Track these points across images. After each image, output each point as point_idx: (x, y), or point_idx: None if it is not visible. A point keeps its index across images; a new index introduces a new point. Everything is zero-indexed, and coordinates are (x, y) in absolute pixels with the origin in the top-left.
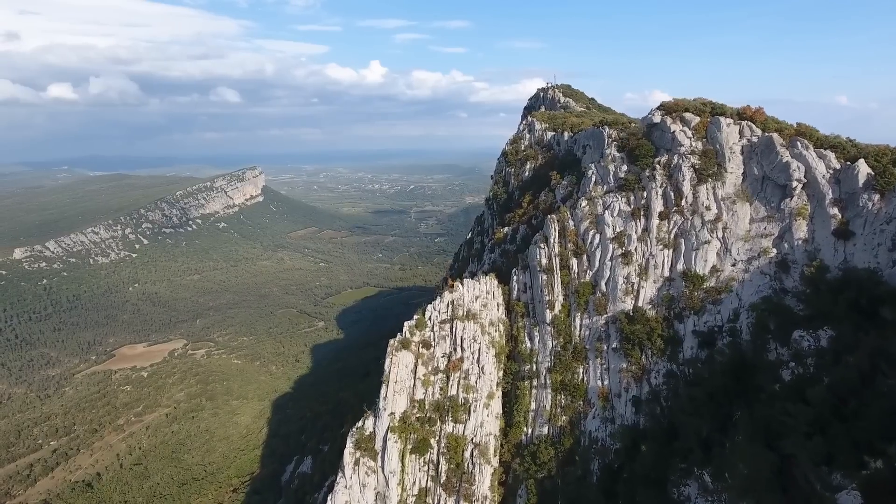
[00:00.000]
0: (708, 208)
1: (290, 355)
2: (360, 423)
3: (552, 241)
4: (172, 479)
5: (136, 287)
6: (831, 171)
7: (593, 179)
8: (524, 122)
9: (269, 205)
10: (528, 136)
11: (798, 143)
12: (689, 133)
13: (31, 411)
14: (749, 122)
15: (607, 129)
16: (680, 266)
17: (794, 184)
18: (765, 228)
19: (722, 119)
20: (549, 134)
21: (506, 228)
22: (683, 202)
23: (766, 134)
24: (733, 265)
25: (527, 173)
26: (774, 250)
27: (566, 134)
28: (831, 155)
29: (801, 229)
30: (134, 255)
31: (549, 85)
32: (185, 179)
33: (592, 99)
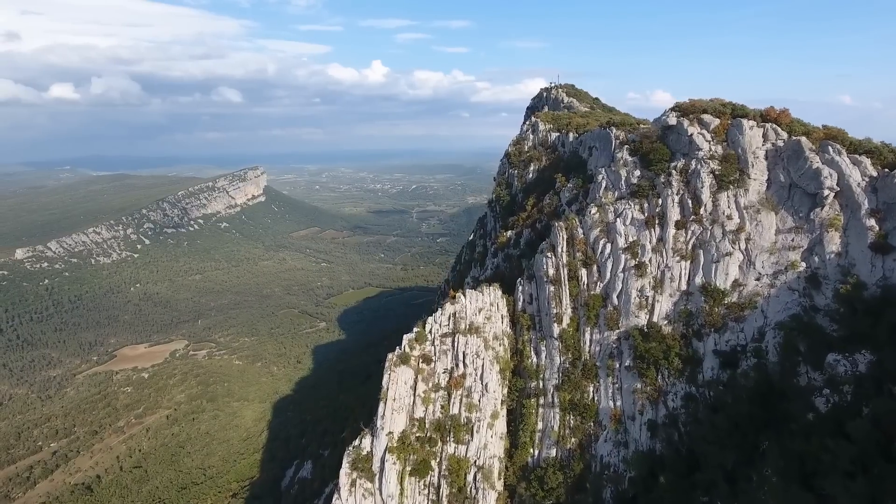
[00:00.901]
0: (729, 217)
1: (291, 356)
2: (356, 442)
3: (560, 250)
4: (172, 483)
5: (137, 287)
6: (867, 179)
7: (603, 185)
8: (528, 123)
9: (271, 205)
10: (531, 136)
11: (829, 147)
12: (708, 136)
13: (32, 412)
14: (774, 125)
15: (614, 131)
16: (698, 279)
17: (826, 192)
18: (792, 240)
19: (744, 121)
20: (554, 135)
21: (509, 232)
22: (702, 210)
23: (794, 138)
24: (757, 279)
25: (530, 175)
26: (803, 264)
27: (571, 135)
28: (867, 161)
29: (833, 242)
30: (135, 256)
31: (553, 85)
32: (187, 179)
33: (597, 99)
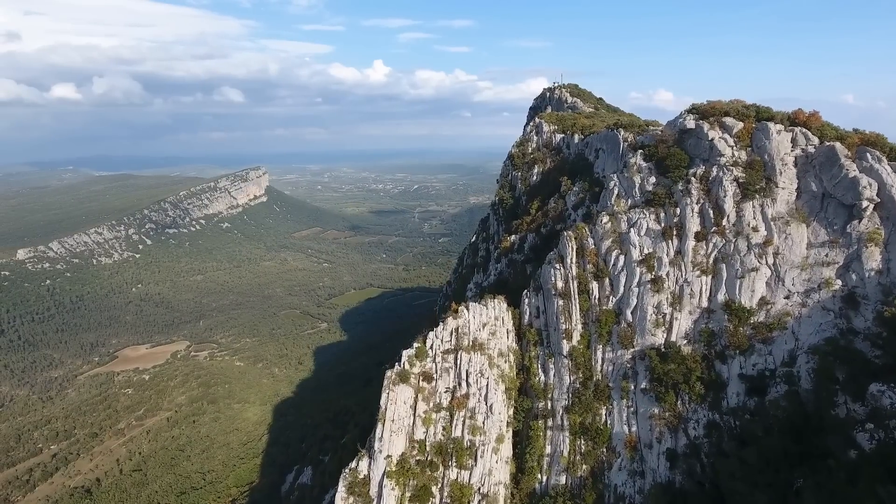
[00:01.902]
0: (755, 229)
1: (292, 357)
2: (353, 464)
3: (569, 261)
4: (171, 488)
5: (139, 288)
6: None
7: (615, 192)
8: (532, 124)
9: (272, 205)
10: (535, 138)
11: (868, 154)
12: (731, 141)
13: (33, 414)
14: (803, 129)
15: (622, 132)
16: (721, 296)
17: (865, 203)
18: (826, 255)
19: (770, 125)
20: (558, 136)
21: (513, 236)
22: (725, 221)
23: (826, 143)
24: (787, 297)
25: (534, 177)
26: (839, 282)
27: (576, 136)
28: None
29: (873, 258)
30: (137, 256)
31: (556, 84)
32: (189, 179)
33: (601, 99)
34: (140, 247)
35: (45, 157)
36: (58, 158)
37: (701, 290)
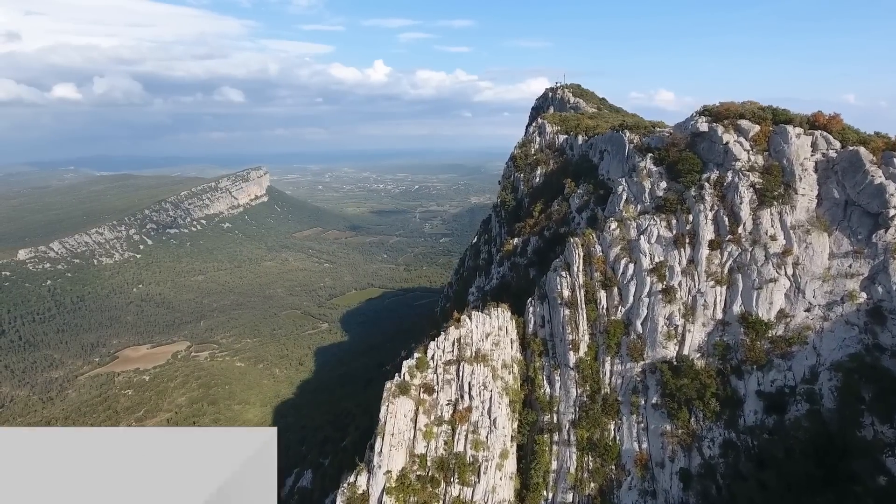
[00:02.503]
0: (773, 238)
1: (293, 358)
2: (351, 479)
3: (575, 268)
4: None
5: (139, 288)
6: None
7: (624, 197)
8: (534, 125)
9: (273, 205)
10: (538, 139)
11: (894, 159)
12: (747, 145)
13: (33, 415)
14: (824, 133)
15: (627, 134)
16: (737, 308)
17: (892, 212)
18: (850, 266)
19: (789, 128)
20: (562, 137)
21: (515, 240)
22: (741, 229)
23: (849, 147)
24: (808, 310)
25: (537, 179)
26: (864, 295)
27: (580, 137)
28: None
29: None
30: (138, 256)
31: (559, 84)
32: (190, 180)
33: (603, 99)
34: (141, 247)
35: (45, 157)
36: (58, 158)
37: (715, 301)
